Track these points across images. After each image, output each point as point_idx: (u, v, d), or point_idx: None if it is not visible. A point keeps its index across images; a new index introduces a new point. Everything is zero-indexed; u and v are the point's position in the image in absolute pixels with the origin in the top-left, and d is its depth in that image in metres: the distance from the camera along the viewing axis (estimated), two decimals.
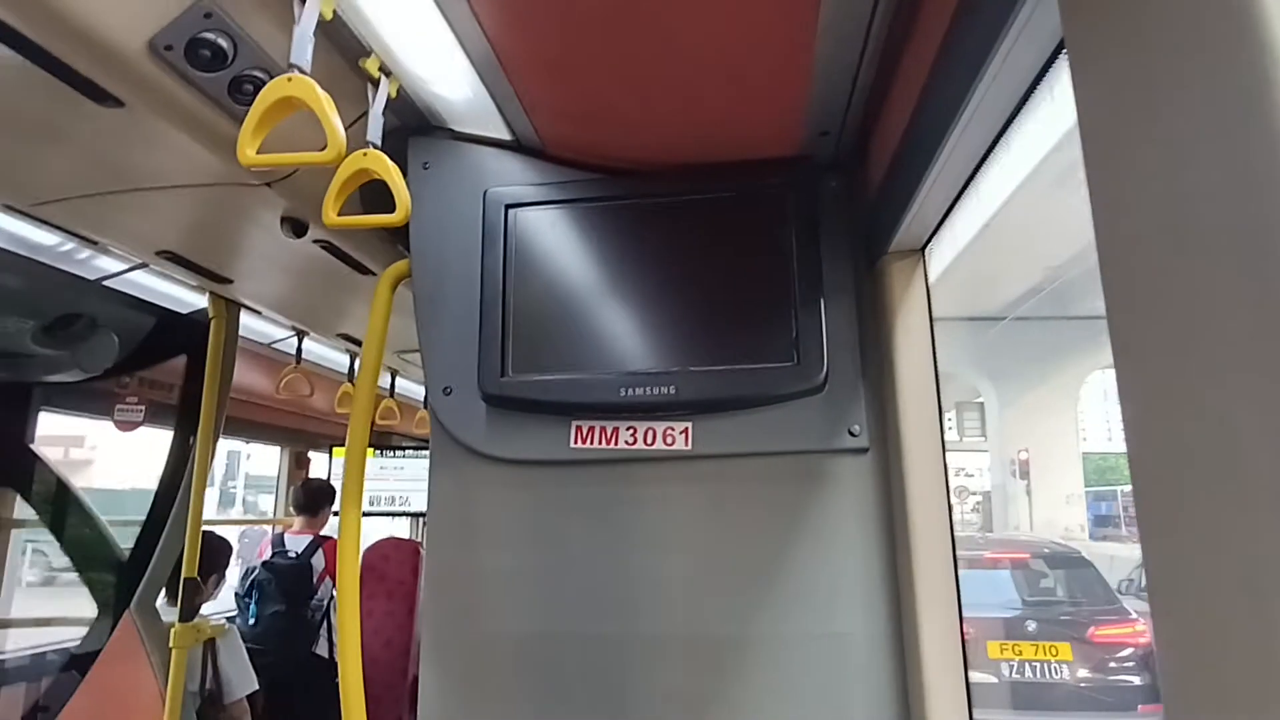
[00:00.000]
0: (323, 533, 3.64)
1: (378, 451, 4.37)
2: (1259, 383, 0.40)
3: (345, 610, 1.30)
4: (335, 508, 3.73)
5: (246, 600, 3.39)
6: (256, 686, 2.67)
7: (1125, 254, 0.51)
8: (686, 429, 1.30)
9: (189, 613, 2.32)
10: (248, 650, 2.70)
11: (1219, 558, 0.43)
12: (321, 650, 3.39)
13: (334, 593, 3.43)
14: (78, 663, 2.60)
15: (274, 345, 3.21)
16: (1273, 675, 0.39)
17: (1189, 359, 0.45)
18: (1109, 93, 0.52)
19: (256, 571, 3.41)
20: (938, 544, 1.19)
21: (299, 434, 4.59)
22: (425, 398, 3.76)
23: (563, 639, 1.31)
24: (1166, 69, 0.46)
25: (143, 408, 2.79)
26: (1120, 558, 9.23)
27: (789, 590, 1.27)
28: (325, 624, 3.43)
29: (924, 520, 1.20)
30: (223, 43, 1.07)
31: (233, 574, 3.21)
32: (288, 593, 3.34)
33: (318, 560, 3.47)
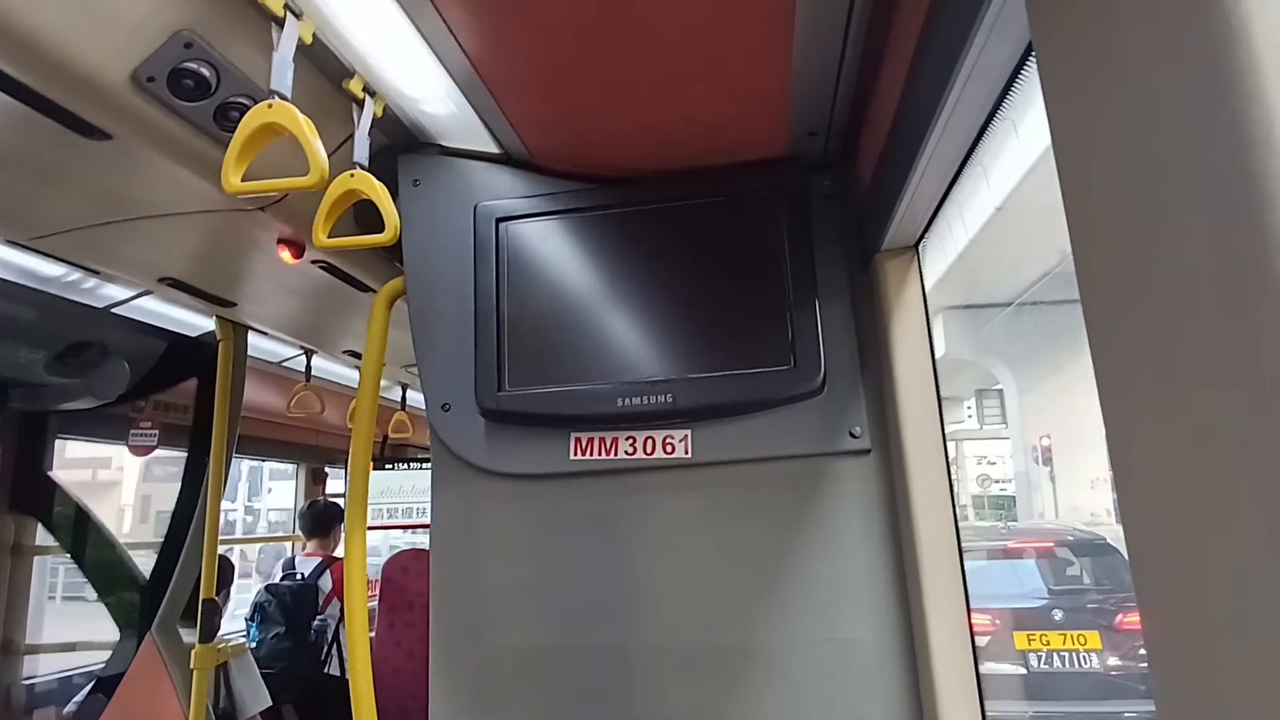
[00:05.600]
0: (336, 553, 3.67)
1: (392, 465, 4.39)
2: (1235, 384, 0.38)
3: (354, 625, 1.31)
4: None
5: (250, 624, 3.43)
6: (270, 703, 2.69)
7: (1099, 254, 0.50)
8: (686, 436, 1.29)
9: (209, 633, 2.35)
10: None
11: (1203, 559, 0.42)
12: (334, 670, 3.42)
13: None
14: (103, 685, 2.64)
15: (284, 364, 3.24)
16: (1257, 671, 0.38)
17: (1165, 361, 0.44)
18: (1076, 91, 0.51)
19: (259, 595, 3.45)
20: (943, 542, 1.17)
21: (315, 450, 4.62)
22: None
23: (569, 652, 1.31)
24: (1131, 66, 0.45)
25: (156, 432, 2.83)
26: None
27: (796, 596, 1.26)
28: (335, 644, 3.45)
29: (928, 519, 1.18)
30: (205, 72, 1.07)
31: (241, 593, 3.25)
32: (288, 615, 3.37)
33: (324, 582, 3.50)
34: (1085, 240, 0.51)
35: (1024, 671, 5.78)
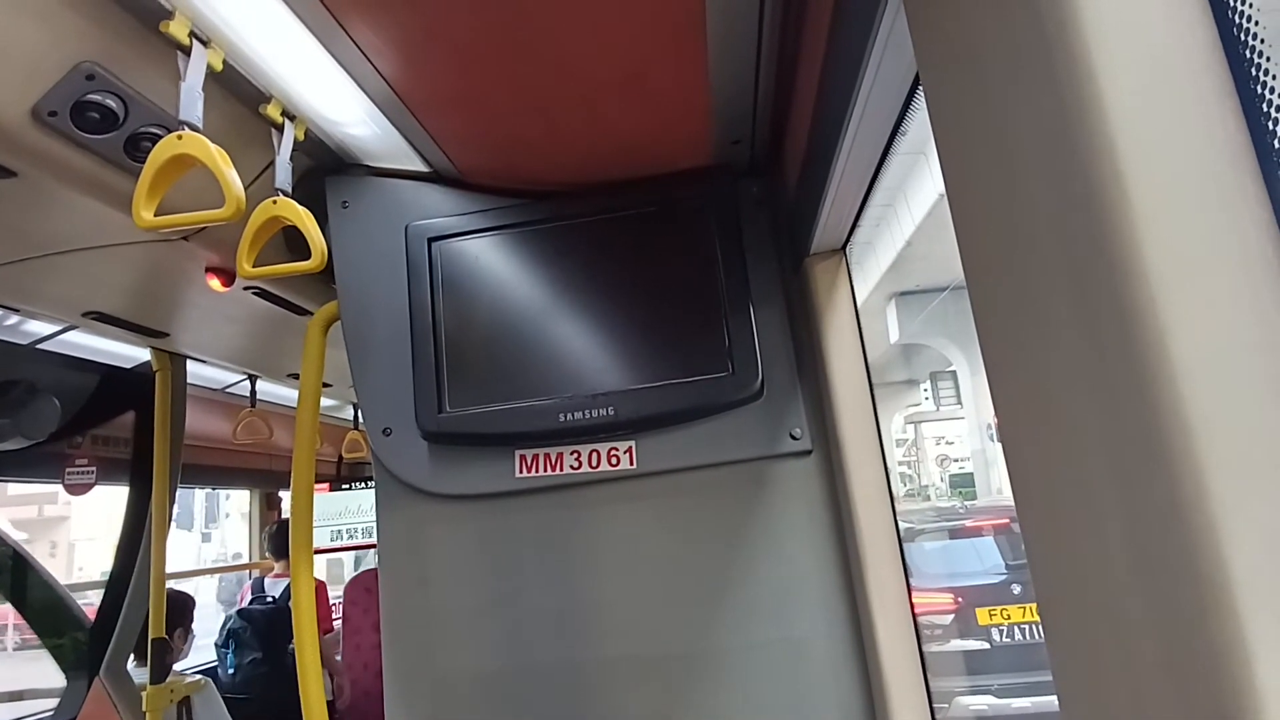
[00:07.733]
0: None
1: (349, 484, 4.31)
2: (1088, 387, 0.40)
3: (303, 649, 1.30)
4: (317, 545, 3.67)
5: (224, 650, 3.33)
6: None
7: (981, 267, 0.51)
8: (630, 448, 1.29)
9: (160, 674, 2.28)
10: (230, 701, 2.65)
11: (1076, 549, 0.44)
12: None
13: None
14: None
15: (227, 390, 3.16)
16: (1127, 644, 0.40)
17: (1034, 365, 0.46)
18: (953, 115, 0.53)
19: (232, 620, 3.36)
20: (883, 534, 1.20)
21: (268, 474, 4.51)
22: None
23: (525, 670, 1.30)
24: (992, 95, 0.47)
25: (94, 469, 2.72)
26: None
27: (747, 599, 1.27)
28: None
29: (868, 512, 1.20)
30: (111, 103, 1.04)
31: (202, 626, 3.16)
32: (265, 639, 3.29)
33: None
34: (969, 253, 0.53)
35: (988, 646, 5.92)
